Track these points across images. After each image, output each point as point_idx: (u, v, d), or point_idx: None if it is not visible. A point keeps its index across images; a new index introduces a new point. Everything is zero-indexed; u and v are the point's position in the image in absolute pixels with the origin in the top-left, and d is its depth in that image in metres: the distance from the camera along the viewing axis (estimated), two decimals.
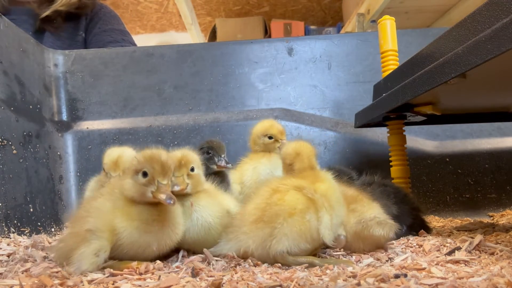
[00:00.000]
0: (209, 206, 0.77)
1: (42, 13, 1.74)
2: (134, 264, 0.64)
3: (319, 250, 0.77)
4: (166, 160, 0.68)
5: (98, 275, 0.60)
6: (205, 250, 0.72)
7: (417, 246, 0.82)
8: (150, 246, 0.67)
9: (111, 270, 0.62)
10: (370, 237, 0.77)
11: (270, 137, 1.09)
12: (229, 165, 0.96)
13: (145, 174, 0.67)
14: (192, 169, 0.78)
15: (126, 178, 0.70)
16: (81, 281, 0.58)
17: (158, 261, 0.68)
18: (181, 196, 0.76)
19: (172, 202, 0.64)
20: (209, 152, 0.95)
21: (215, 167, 0.95)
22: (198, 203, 0.77)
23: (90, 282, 0.58)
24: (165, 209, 0.69)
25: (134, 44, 2.00)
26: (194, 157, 0.80)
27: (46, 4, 1.78)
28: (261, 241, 0.68)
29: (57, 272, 0.62)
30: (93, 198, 0.72)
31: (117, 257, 0.67)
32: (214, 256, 0.72)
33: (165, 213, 0.69)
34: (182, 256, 0.75)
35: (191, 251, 0.78)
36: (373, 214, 0.78)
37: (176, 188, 0.73)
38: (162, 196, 0.65)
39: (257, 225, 0.69)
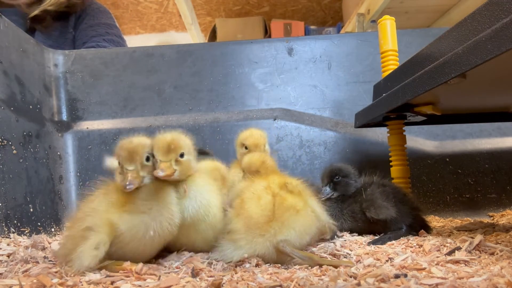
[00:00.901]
0: (206, 185, 0.76)
1: (31, 13, 1.74)
2: (128, 265, 0.64)
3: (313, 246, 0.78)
4: (134, 147, 0.69)
5: (97, 275, 0.60)
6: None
7: (417, 246, 0.82)
8: (148, 229, 0.67)
9: (107, 271, 0.62)
10: (319, 235, 0.85)
11: (246, 148, 1.02)
12: None
13: (119, 163, 0.70)
14: (182, 155, 0.73)
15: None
16: (80, 281, 0.58)
17: (150, 265, 0.67)
18: (173, 182, 0.74)
19: (131, 187, 0.65)
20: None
21: None
22: (192, 182, 0.75)
23: (89, 282, 0.58)
24: (153, 190, 0.70)
25: (121, 38, 1.99)
26: (185, 142, 0.75)
27: (36, 4, 1.78)
28: (273, 237, 0.69)
29: (56, 272, 0.62)
30: (89, 200, 0.72)
31: (120, 252, 0.66)
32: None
33: (154, 194, 0.69)
34: (181, 252, 0.75)
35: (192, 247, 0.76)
36: (328, 217, 0.84)
37: (161, 174, 0.69)
38: (125, 182, 0.66)
39: (270, 224, 0.69)
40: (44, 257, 0.77)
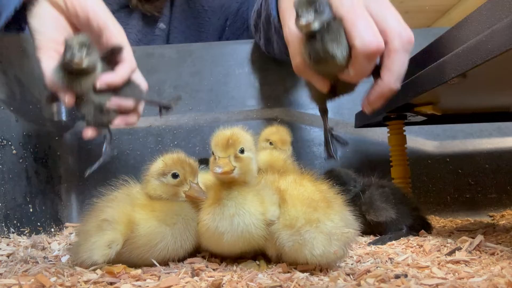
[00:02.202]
0: (255, 212, 0.65)
1: None
2: (117, 268, 0.63)
3: None
4: (194, 162, 0.73)
5: (96, 276, 0.60)
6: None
7: (418, 246, 0.82)
8: (162, 242, 0.67)
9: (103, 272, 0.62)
10: None
11: (270, 143, 1.03)
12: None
13: (175, 176, 0.71)
14: (242, 151, 0.65)
15: (150, 180, 0.72)
16: (79, 281, 0.58)
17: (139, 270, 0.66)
18: (226, 188, 0.65)
19: (205, 196, 0.68)
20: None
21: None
22: (243, 204, 0.65)
23: (87, 282, 0.58)
24: (183, 207, 0.71)
25: None
26: (245, 137, 0.67)
27: None
28: None
29: (56, 272, 0.62)
30: (109, 199, 0.73)
31: (126, 254, 0.67)
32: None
33: (183, 211, 0.70)
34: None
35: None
36: None
37: (218, 170, 0.62)
38: (195, 193, 0.69)
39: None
40: (44, 257, 0.78)
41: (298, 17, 0.76)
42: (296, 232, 0.64)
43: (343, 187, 0.99)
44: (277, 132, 1.04)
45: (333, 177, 1.00)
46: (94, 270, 0.62)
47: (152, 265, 0.67)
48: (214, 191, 0.68)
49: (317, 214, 0.64)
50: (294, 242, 0.63)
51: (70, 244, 0.91)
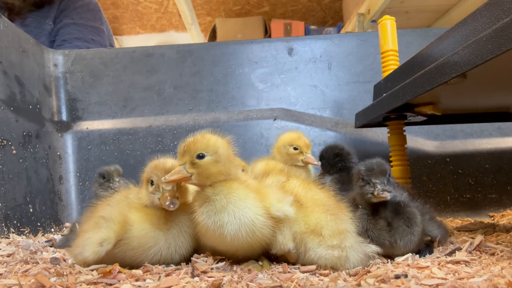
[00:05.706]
0: (248, 198, 0.64)
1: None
2: (109, 267, 0.63)
3: None
4: (171, 167, 0.68)
5: (96, 276, 0.60)
6: None
7: None
8: (155, 246, 0.67)
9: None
10: None
11: (295, 148, 1.08)
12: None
13: (152, 183, 0.69)
14: (201, 156, 0.66)
15: (142, 188, 0.72)
16: (78, 282, 0.58)
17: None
18: (206, 191, 0.65)
19: (172, 206, 0.65)
20: None
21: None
22: (230, 192, 0.65)
23: (89, 282, 0.58)
24: (179, 213, 0.70)
25: (106, 45, 1.87)
26: (208, 142, 0.67)
27: None
28: None
29: (56, 272, 0.62)
30: (110, 198, 0.74)
31: (120, 254, 0.67)
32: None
33: (178, 217, 0.70)
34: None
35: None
36: None
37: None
38: (165, 202, 0.65)
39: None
40: (44, 258, 0.77)
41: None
42: (325, 242, 0.64)
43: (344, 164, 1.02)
44: (301, 138, 1.08)
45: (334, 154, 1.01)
46: (92, 270, 0.63)
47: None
48: (199, 193, 0.68)
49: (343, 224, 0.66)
50: (330, 256, 0.64)
51: (63, 235, 0.92)
